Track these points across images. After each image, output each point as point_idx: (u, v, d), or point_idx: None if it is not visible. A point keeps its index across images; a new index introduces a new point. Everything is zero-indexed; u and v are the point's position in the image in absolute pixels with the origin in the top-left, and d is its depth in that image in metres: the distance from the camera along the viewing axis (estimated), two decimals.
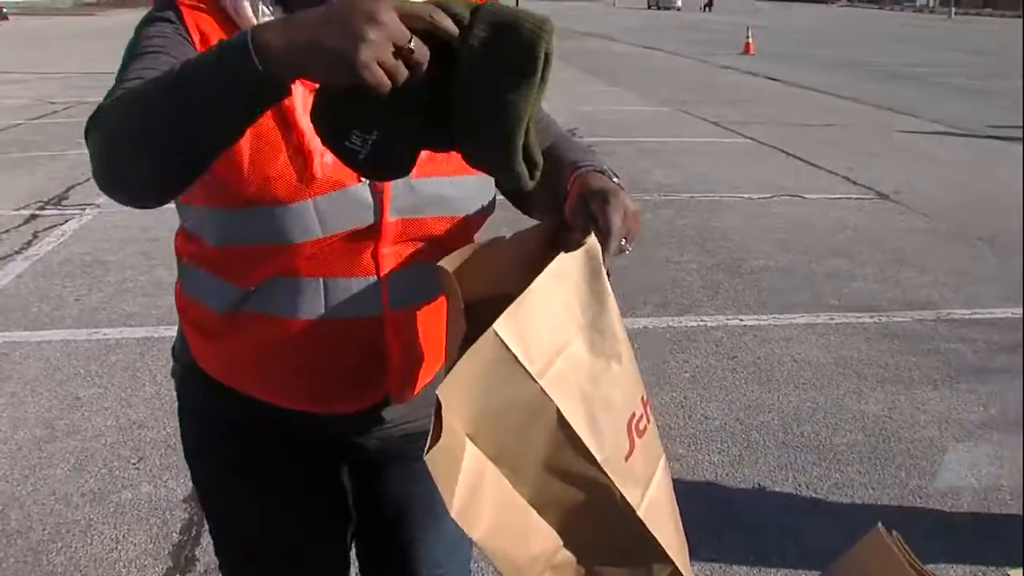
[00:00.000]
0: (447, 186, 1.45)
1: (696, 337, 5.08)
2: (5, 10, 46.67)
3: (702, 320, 5.34)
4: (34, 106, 14.37)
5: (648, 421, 1.39)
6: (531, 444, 1.29)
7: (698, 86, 18.08)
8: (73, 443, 3.89)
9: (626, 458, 1.33)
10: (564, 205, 1.35)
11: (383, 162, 1.17)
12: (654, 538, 1.37)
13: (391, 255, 1.45)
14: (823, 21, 62.31)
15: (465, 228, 1.50)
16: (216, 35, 1.36)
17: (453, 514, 1.19)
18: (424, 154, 1.30)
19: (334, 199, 1.38)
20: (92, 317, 5.31)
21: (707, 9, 78.41)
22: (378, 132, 1.13)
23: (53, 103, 14.79)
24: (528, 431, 1.28)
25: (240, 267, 1.44)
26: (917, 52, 31.79)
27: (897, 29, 51.55)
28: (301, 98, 1.36)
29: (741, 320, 5.34)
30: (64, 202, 8.05)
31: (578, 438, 1.28)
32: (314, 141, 1.32)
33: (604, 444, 1.30)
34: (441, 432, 1.17)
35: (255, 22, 1.34)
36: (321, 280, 1.43)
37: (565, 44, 26.11)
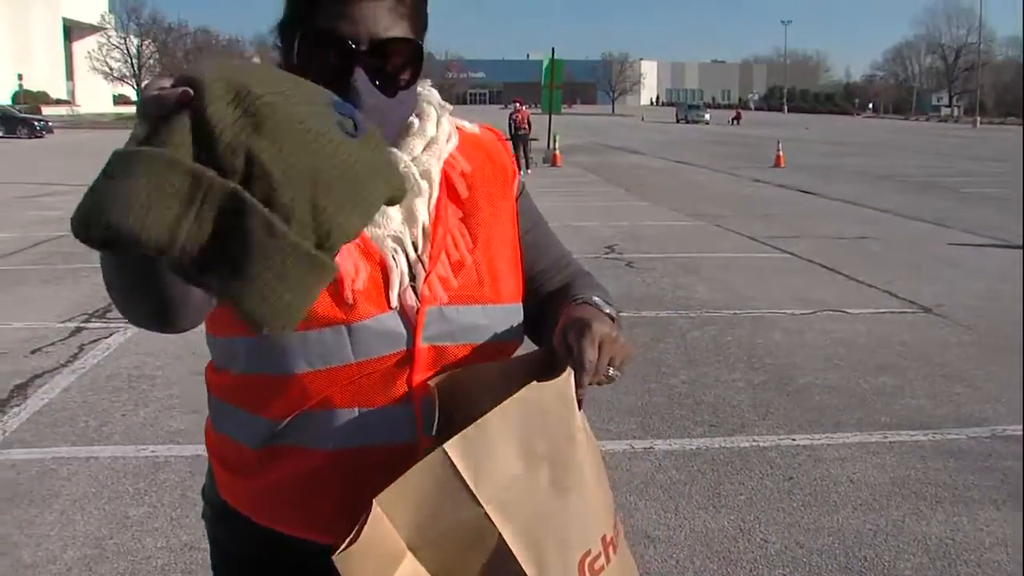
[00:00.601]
0: (479, 315, 1.48)
1: (750, 457, 5.01)
2: (51, 123, 47.95)
3: (754, 440, 5.27)
4: None
5: (608, 561, 1.36)
6: (472, 567, 1.30)
7: (731, 200, 18.21)
8: (124, 564, 3.85)
9: None
10: (555, 343, 1.40)
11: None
12: None
13: (425, 381, 1.44)
14: (850, 132, 62.91)
15: (496, 355, 1.51)
16: None
17: None
18: (456, 283, 1.45)
19: (366, 327, 1.40)
20: (140, 433, 5.31)
21: (735, 123, 79.47)
22: None
23: None
24: (470, 554, 1.29)
25: (270, 397, 1.44)
26: (945, 162, 32.01)
27: (924, 139, 51.96)
28: None
29: (794, 440, 5.27)
30: (108, 315, 8.12)
31: (520, 569, 1.28)
32: (344, 266, 1.38)
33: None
34: (358, 537, 1.21)
35: None
36: (356, 409, 1.43)
37: (598, 159, 26.47)
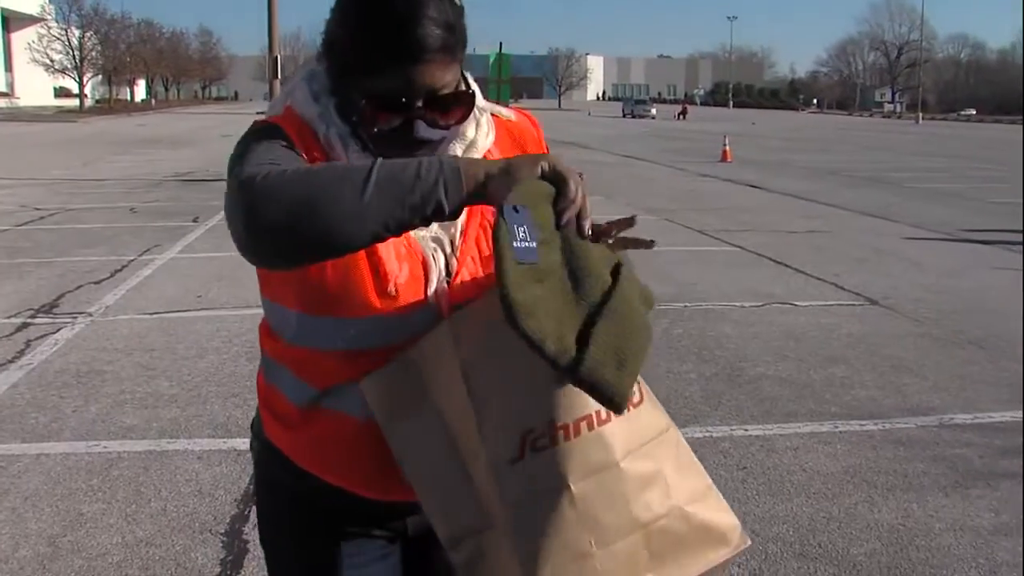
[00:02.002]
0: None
1: (703, 448, 5.05)
2: None
3: (707, 431, 5.32)
4: (20, 212, 14.41)
5: (552, 444, 1.41)
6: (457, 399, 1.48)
7: (680, 195, 18.34)
8: (79, 562, 3.80)
9: (511, 462, 1.41)
10: None
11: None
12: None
13: None
14: (795, 127, 63.57)
15: None
16: (319, 159, 1.55)
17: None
18: (469, 278, 1.59)
19: (402, 318, 1.55)
20: (91, 429, 5.24)
21: (681, 118, 79.94)
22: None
23: (39, 209, 14.84)
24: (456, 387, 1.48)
25: (315, 368, 1.60)
26: (891, 157, 32.48)
27: (869, 135, 52.65)
28: None
29: (746, 430, 5.33)
30: (55, 310, 8.01)
31: (474, 421, 1.44)
32: (390, 263, 1.54)
33: (491, 437, 1.43)
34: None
35: (343, 155, 1.56)
36: None
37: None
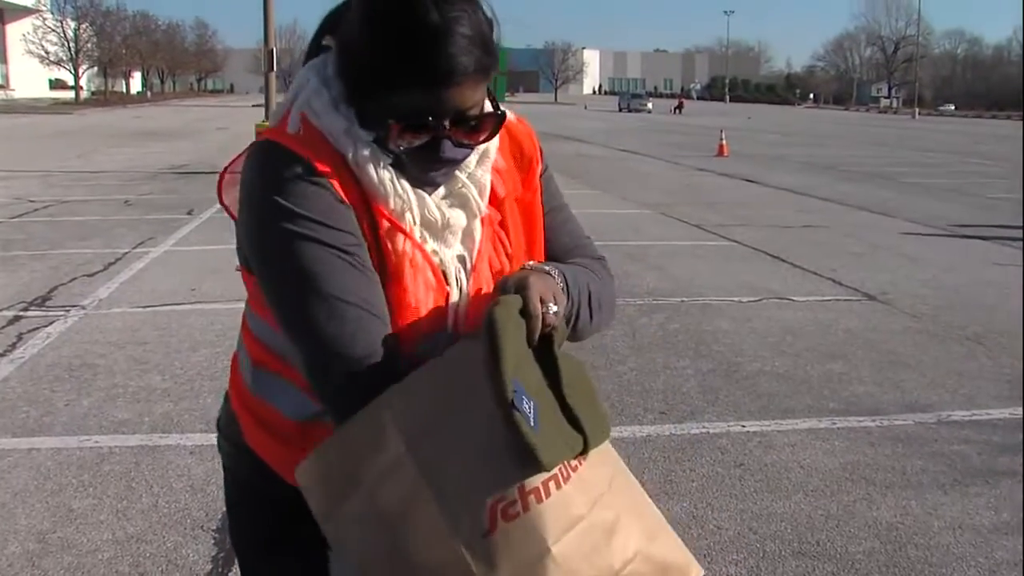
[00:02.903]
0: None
1: (701, 444, 5.02)
2: None
3: (705, 427, 5.28)
4: (14, 204, 14.35)
5: (525, 510, 1.36)
6: (396, 487, 1.38)
7: (676, 188, 18.30)
8: (69, 558, 3.75)
9: (484, 536, 1.34)
10: None
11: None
12: None
13: None
14: (791, 122, 63.56)
15: None
16: (345, 180, 1.48)
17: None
18: (484, 296, 1.56)
19: (426, 344, 1.50)
20: (83, 423, 5.19)
21: (677, 112, 79.94)
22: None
23: (33, 201, 14.78)
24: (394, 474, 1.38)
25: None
26: (887, 152, 32.46)
27: (866, 129, 52.65)
28: (409, 252, 1.50)
29: (744, 426, 5.29)
30: (48, 303, 7.95)
31: (432, 504, 1.35)
32: (416, 296, 1.50)
33: (458, 515, 1.35)
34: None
35: (374, 175, 1.48)
36: None
37: (543, 147, 26.39)
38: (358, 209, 1.47)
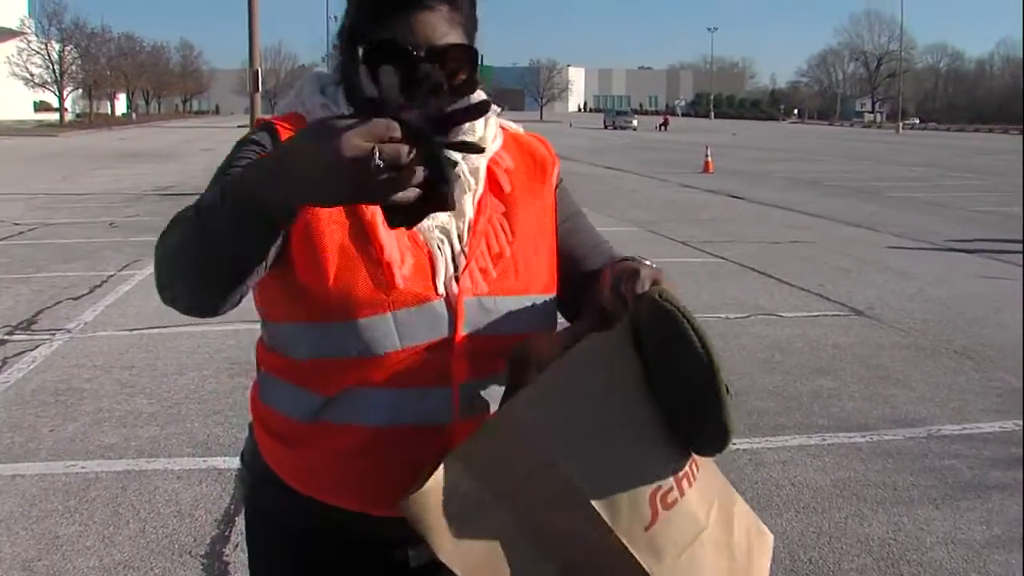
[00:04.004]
0: (515, 305, 1.58)
1: None
2: None
3: None
4: None
5: (682, 494, 1.40)
6: (539, 493, 1.36)
7: (662, 206, 18.33)
8: None
9: (646, 528, 1.36)
10: (605, 299, 1.49)
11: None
12: None
13: (463, 367, 1.54)
14: (777, 137, 63.82)
15: None
16: None
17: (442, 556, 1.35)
18: (495, 274, 1.57)
19: (413, 313, 1.51)
20: (68, 449, 5.15)
21: (663, 129, 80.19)
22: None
23: (17, 224, 14.69)
24: (545, 500, 1.36)
25: (324, 378, 1.53)
26: (872, 167, 32.60)
27: (850, 145, 52.89)
28: (380, 212, 1.47)
29: (734, 444, 5.23)
30: (33, 327, 7.90)
31: (589, 505, 1.34)
32: (392, 253, 1.50)
33: (618, 512, 1.35)
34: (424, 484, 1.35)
35: None
36: (397, 391, 1.52)
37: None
38: None
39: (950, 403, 6.03)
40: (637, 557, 1.35)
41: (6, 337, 7.56)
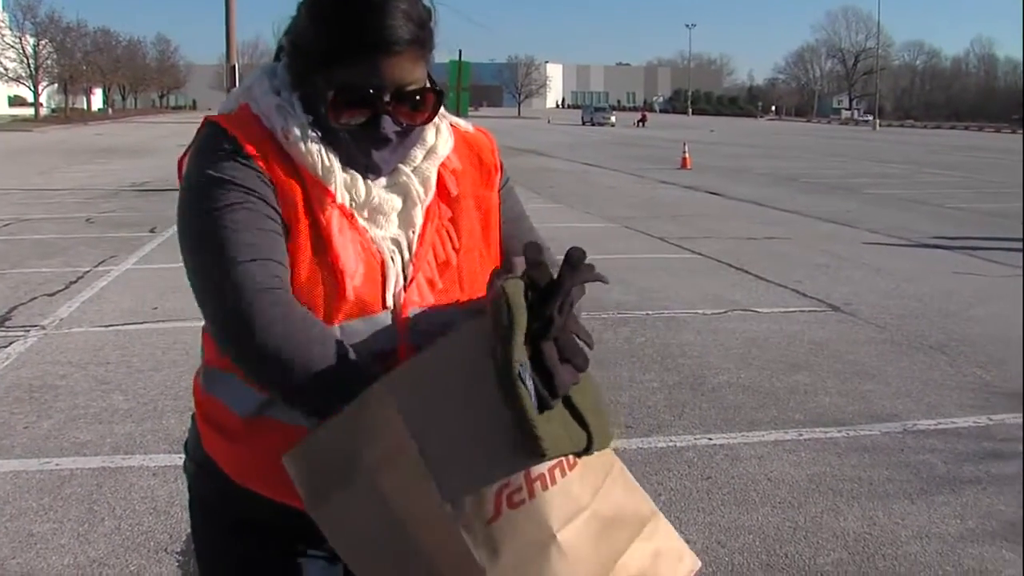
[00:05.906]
0: (457, 315, 1.56)
1: (667, 458, 5.01)
2: None
3: (671, 440, 5.27)
4: None
5: (531, 497, 1.37)
6: (396, 474, 1.40)
7: (639, 202, 18.36)
8: None
9: (488, 522, 1.36)
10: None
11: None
12: None
13: None
14: (754, 134, 64.00)
15: None
16: (272, 155, 1.55)
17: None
18: (441, 285, 1.60)
19: (362, 323, 1.54)
20: (43, 446, 5.11)
21: (640, 125, 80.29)
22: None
23: None
24: (391, 463, 1.40)
25: None
26: (849, 163, 32.76)
27: (827, 142, 53.09)
28: (337, 220, 1.54)
29: (710, 439, 5.29)
30: (8, 323, 7.84)
31: (435, 491, 1.36)
32: (347, 264, 1.52)
33: (461, 503, 1.36)
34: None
35: (302, 146, 1.55)
36: None
37: (507, 162, 26.44)
38: (290, 183, 1.53)
39: (925, 398, 6.06)
40: (472, 551, 1.35)
41: None
